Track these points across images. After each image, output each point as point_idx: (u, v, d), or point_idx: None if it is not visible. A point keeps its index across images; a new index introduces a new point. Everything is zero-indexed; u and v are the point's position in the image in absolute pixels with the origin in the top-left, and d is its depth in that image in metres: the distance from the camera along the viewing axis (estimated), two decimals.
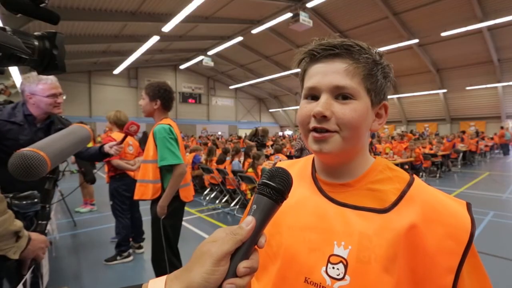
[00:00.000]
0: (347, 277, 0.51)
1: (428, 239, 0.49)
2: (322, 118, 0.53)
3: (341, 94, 0.54)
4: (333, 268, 0.52)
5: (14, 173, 0.87)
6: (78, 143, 1.20)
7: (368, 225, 0.52)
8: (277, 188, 0.42)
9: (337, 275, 0.52)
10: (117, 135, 3.25)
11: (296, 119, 0.61)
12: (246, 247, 0.39)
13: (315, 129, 0.55)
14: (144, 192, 2.13)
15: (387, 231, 0.51)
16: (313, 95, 0.56)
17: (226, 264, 0.37)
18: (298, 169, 0.70)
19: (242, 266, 0.38)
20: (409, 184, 0.56)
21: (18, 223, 1.01)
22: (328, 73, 0.54)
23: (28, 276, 1.11)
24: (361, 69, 0.54)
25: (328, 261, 0.53)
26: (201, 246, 0.38)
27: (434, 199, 0.53)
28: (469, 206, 0.52)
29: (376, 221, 0.52)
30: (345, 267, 0.51)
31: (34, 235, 1.10)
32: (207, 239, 0.39)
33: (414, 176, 0.58)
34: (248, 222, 0.40)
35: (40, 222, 1.20)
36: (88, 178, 4.79)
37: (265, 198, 0.42)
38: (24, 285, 1.08)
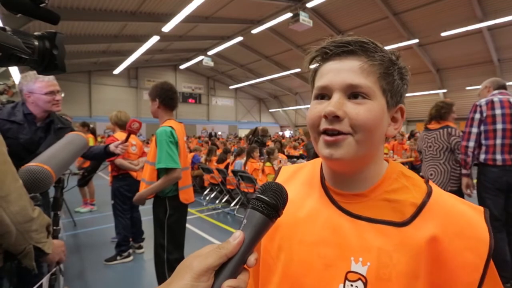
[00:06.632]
0: None
1: (448, 252, 0.46)
2: (334, 118, 0.48)
3: (354, 94, 0.49)
4: (352, 285, 0.49)
5: None
6: (77, 153, 1.26)
7: (387, 240, 0.49)
8: (270, 203, 0.40)
9: None
10: (120, 135, 3.26)
11: (306, 121, 0.56)
12: (233, 265, 0.36)
13: (326, 131, 0.50)
14: None
15: (408, 247, 0.47)
16: (324, 95, 0.52)
17: (208, 281, 0.34)
18: (306, 176, 0.64)
19: (227, 285, 0.34)
20: (428, 195, 0.51)
21: (47, 217, 1.03)
22: (342, 71, 0.50)
23: (46, 278, 1.16)
24: (376, 67, 0.50)
25: (346, 278, 0.50)
26: (185, 260, 0.36)
27: (454, 210, 0.50)
28: (485, 214, 0.49)
29: (395, 235, 0.49)
30: (365, 284, 0.48)
31: (53, 240, 1.14)
32: (192, 254, 0.36)
33: (431, 183, 0.54)
34: (235, 236, 0.37)
35: (55, 228, 1.28)
36: (80, 183, 4.87)
37: (257, 212, 0.39)
38: (41, 286, 1.12)
